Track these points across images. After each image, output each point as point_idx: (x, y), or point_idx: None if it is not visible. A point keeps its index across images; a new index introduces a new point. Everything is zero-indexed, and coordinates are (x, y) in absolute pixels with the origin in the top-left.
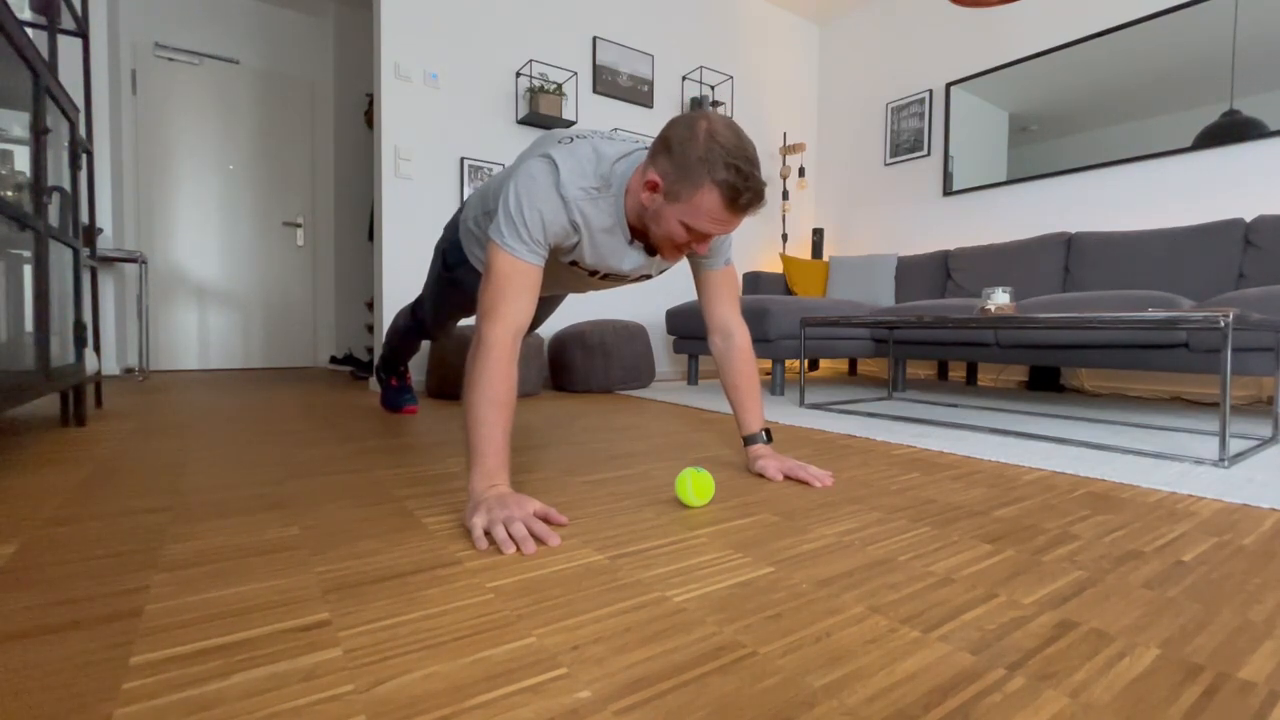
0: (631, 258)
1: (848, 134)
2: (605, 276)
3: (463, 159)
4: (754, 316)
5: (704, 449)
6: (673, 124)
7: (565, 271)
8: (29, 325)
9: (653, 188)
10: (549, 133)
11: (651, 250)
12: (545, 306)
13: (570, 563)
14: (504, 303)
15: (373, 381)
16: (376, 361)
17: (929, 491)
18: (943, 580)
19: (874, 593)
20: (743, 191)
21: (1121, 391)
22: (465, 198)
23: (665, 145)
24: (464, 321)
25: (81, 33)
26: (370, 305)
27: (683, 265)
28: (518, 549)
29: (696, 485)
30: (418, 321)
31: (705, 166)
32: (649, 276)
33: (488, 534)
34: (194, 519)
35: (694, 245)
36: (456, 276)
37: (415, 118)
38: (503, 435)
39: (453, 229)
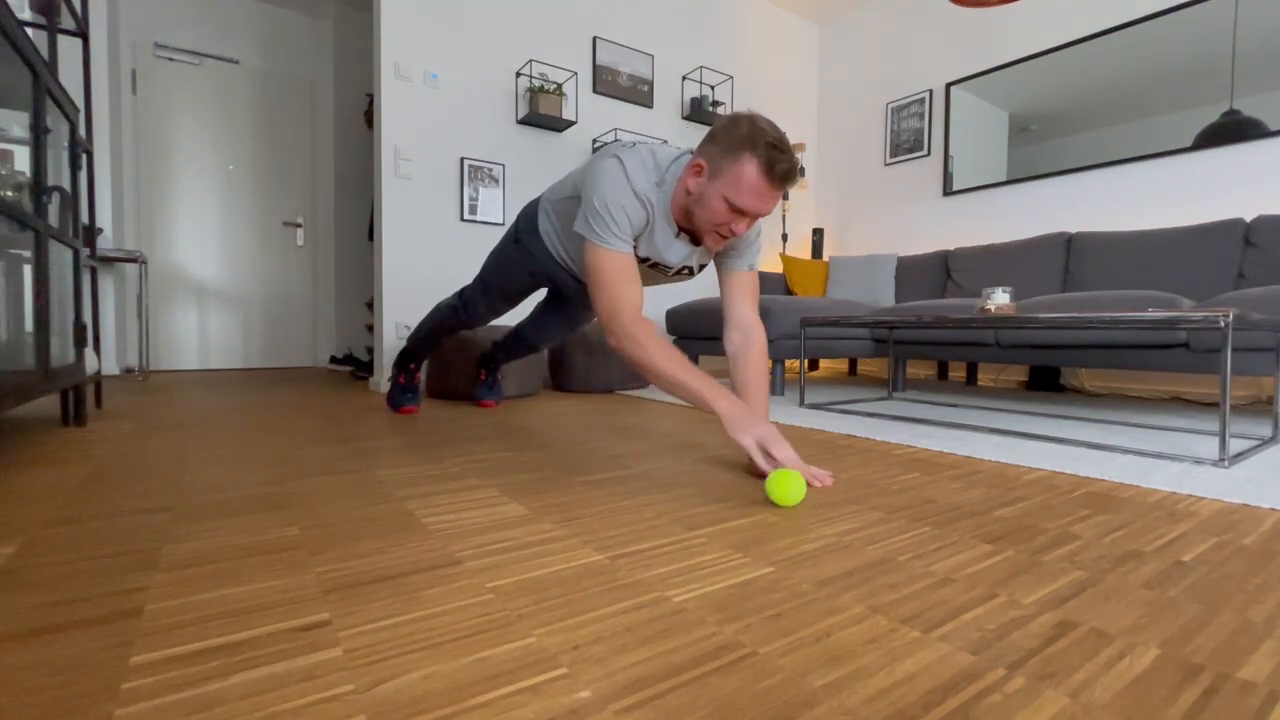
0: (677, 249)
1: (848, 134)
2: (654, 266)
3: (463, 159)
4: None
5: (704, 449)
6: (716, 122)
7: None
8: (29, 325)
9: (698, 171)
10: (611, 144)
11: (696, 241)
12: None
13: (570, 563)
14: (620, 293)
15: (373, 381)
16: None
17: (929, 491)
18: (943, 580)
19: (874, 593)
20: (778, 161)
21: (1121, 391)
22: (464, 197)
23: (710, 137)
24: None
25: (81, 33)
26: (370, 305)
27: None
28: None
29: (787, 485)
30: (464, 302)
31: (747, 143)
32: (690, 272)
33: (764, 450)
34: (194, 519)
35: (733, 226)
36: (525, 244)
37: (415, 118)
38: (702, 374)
39: (531, 212)
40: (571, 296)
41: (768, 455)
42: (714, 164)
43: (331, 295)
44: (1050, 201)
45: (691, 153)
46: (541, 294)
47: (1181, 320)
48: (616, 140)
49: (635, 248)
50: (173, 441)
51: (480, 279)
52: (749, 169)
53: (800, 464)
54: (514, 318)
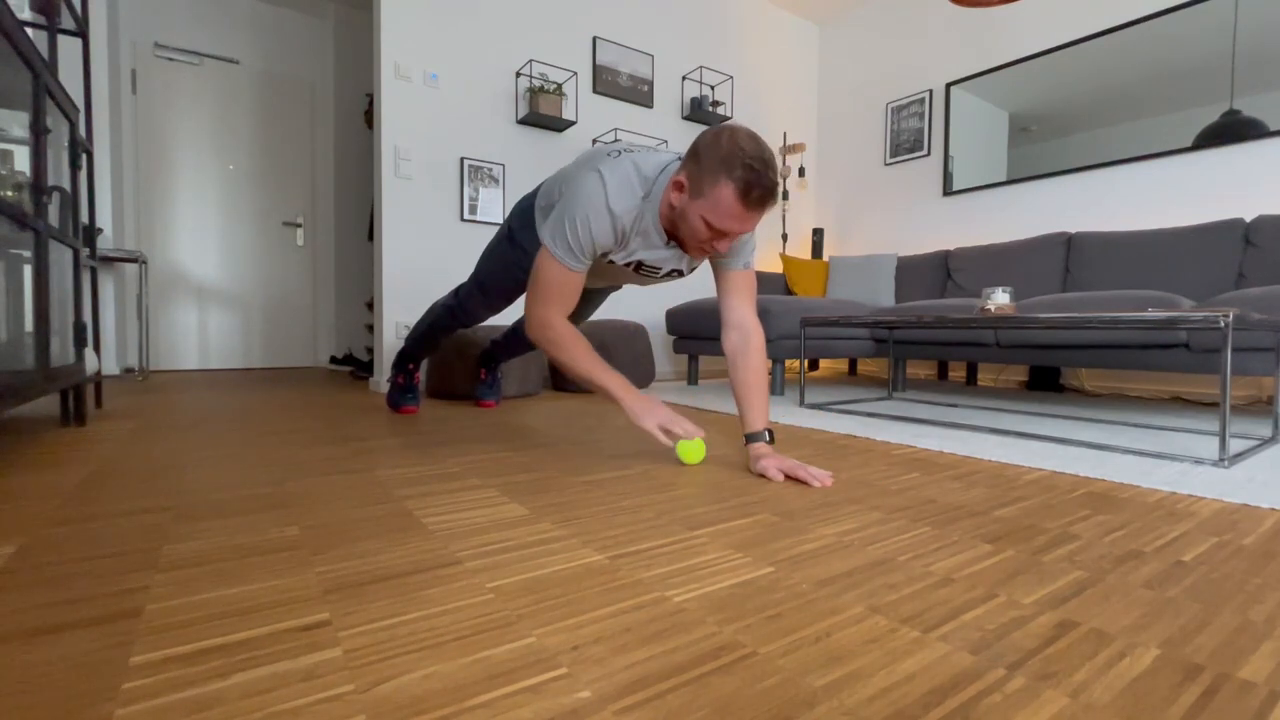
0: (663, 254)
1: (848, 134)
2: (640, 268)
3: (463, 159)
4: None
5: (705, 448)
6: (701, 135)
7: (606, 266)
8: (29, 325)
9: (679, 188)
10: (600, 147)
11: (684, 248)
12: (594, 299)
13: (570, 563)
14: (556, 301)
15: (373, 381)
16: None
17: (929, 491)
18: (943, 580)
19: (874, 593)
20: (754, 187)
21: (1121, 391)
22: (464, 197)
23: (694, 152)
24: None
25: (81, 33)
26: (370, 305)
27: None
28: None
29: (690, 449)
30: (459, 301)
31: (725, 166)
32: (680, 273)
33: (665, 430)
34: (194, 519)
35: (715, 244)
36: (520, 242)
37: (415, 118)
38: (611, 369)
39: (527, 209)
40: None
41: (670, 433)
42: (694, 183)
43: (331, 295)
44: (1050, 201)
45: (681, 159)
46: None
47: (1181, 320)
48: (615, 140)
49: (610, 257)
50: (173, 441)
51: (475, 278)
52: (725, 193)
53: (699, 432)
54: (512, 315)
